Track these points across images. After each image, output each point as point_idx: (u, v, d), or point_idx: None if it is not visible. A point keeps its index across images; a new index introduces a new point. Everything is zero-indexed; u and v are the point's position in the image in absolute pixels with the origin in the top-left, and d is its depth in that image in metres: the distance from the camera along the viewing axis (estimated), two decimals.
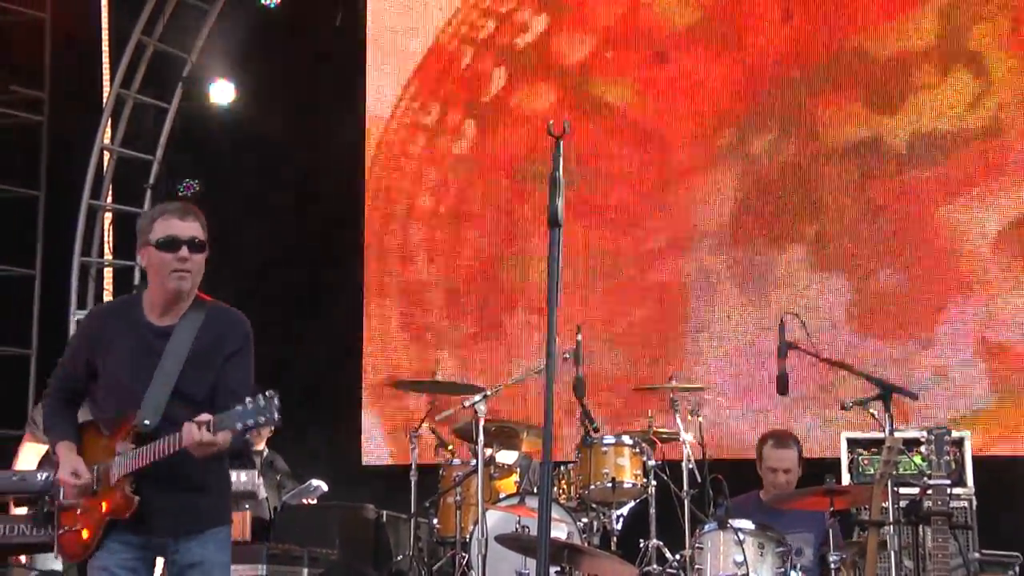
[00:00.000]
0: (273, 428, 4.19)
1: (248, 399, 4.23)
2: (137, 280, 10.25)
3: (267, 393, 4.24)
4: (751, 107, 9.64)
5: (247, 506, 7.04)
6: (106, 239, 10.52)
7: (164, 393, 4.44)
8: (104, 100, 10.40)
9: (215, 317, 4.58)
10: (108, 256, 10.57)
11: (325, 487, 8.02)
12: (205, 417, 4.24)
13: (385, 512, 8.02)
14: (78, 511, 4.54)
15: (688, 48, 9.82)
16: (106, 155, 10.44)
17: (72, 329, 10.12)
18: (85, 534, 4.50)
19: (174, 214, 4.51)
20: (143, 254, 4.53)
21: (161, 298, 4.54)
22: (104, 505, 4.47)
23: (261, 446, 7.99)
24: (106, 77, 10.52)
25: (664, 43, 9.87)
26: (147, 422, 4.40)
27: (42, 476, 5.37)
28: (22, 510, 5.89)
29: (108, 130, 10.40)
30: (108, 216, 10.56)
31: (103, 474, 4.48)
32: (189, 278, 4.49)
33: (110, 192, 10.52)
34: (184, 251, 4.46)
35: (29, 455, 6.47)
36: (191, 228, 4.49)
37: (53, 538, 4.70)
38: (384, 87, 10.28)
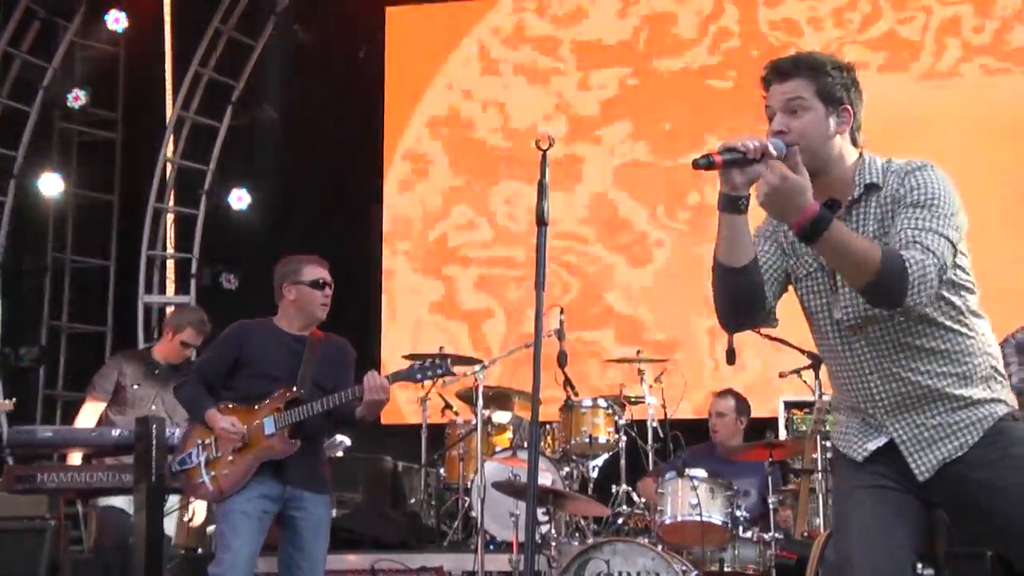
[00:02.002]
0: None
1: (422, 360, 5.20)
2: (194, 270, 10.28)
3: (443, 357, 5.30)
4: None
5: None
6: (168, 236, 10.52)
7: (309, 378, 5.10)
8: (167, 120, 10.37)
9: (333, 339, 5.31)
10: (171, 250, 10.54)
11: (349, 442, 7.98)
12: (375, 373, 5.01)
13: (400, 463, 8.02)
14: (228, 458, 5.03)
15: None
16: (168, 166, 10.42)
17: (140, 310, 10.18)
18: (238, 474, 4.99)
19: (318, 264, 5.28)
20: (291, 290, 5.21)
21: (301, 321, 5.25)
22: (258, 452, 4.99)
23: None
24: (169, 101, 10.49)
25: None
26: (302, 391, 5.05)
27: (116, 432, 5.51)
28: (76, 458, 5.93)
29: (171, 144, 10.37)
30: (170, 216, 10.54)
31: (255, 429, 5.01)
32: (327, 309, 5.27)
33: (172, 196, 10.50)
34: (327, 290, 5.25)
35: (89, 413, 6.50)
36: (328, 275, 5.28)
37: (190, 486, 5.17)
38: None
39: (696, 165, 2.89)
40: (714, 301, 3.13)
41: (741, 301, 3.11)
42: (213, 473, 5.05)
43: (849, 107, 3.08)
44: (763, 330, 6.79)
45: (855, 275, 2.88)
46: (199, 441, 5.13)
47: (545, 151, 3.66)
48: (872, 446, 3.10)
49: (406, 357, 8.13)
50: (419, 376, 5.14)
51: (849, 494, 3.18)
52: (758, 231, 3.19)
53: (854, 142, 3.12)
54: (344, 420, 5.21)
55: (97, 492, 5.95)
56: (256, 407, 5.07)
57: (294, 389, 5.06)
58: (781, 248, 3.18)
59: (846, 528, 3.14)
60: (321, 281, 5.23)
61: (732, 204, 2.97)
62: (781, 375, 6.93)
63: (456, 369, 7.33)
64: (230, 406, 5.10)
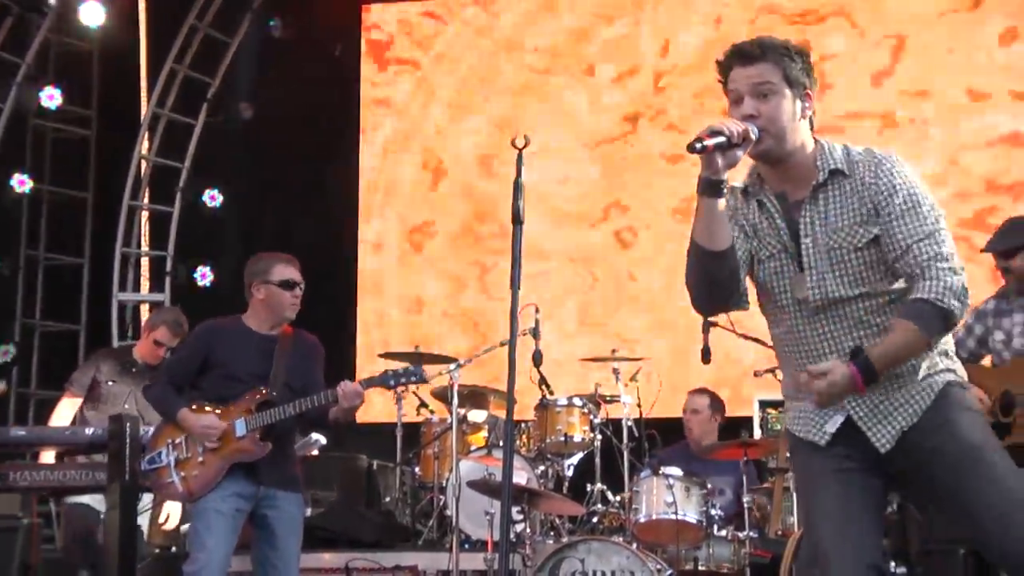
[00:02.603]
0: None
1: (395, 368, 5.17)
2: (169, 267, 10.23)
3: (417, 365, 5.25)
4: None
5: None
6: (143, 233, 10.48)
7: (280, 379, 5.09)
8: (142, 117, 10.32)
9: (303, 338, 5.29)
10: (145, 247, 10.50)
11: (324, 440, 7.96)
12: (357, 380, 5.07)
13: (375, 462, 7.99)
14: (198, 459, 5.03)
15: None
16: (143, 163, 10.37)
17: (114, 308, 10.13)
18: (210, 475, 4.98)
19: (288, 263, 5.22)
20: (259, 289, 5.17)
21: (272, 320, 5.21)
22: (228, 454, 4.98)
23: None
24: (143, 98, 10.44)
25: None
26: (274, 393, 5.05)
27: (89, 431, 5.55)
28: (49, 456, 5.91)
29: (145, 142, 10.32)
30: (145, 214, 10.50)
31: (227, 431, 5.00)
32: (297, 309, 5.23)
33: (146, 194, 10.45)
34: (297, 291, 5.20)
35: (65, 408, 6.50)
36: (299, 275, 5.22)
37: (159, 485, 5.16)
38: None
39: (691, 150, 2.93)
40: (689, 284, 3.18)
41: (719, 284, 3.15)
42: (183, 474, 5.06)
43: (810, 92, 3.14)
44: (739, 329, 6.88)
45: (917, 355, 3.04)
46: (169, 440, 5.12)
47: (521, 150, 3.68)
48: (831, 428, 3.13)
49: (382, 356, 8.15)
50: (392, 383, 5.15)
51: (812, 482, 3.19)
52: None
53: (811, 128, 3.18)
54: (317, 421, 5.27)
55: (70, 491, 5.93)
56: (227, 408, 5.07)
57: (265, 391, 5.05)
58: (743, 230, 3.22)
59: (815, 520, 3.16)
60: (291, 281, 5.19)
61: (713, 188, 3.01)
62: (756, 374, 6.94)
63: (431, 368, 7.36)
64: (205, 408, 5.09)
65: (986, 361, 5.33)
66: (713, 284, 3.15)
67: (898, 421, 3.09)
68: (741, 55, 3.12)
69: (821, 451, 3.15)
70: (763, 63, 3.09)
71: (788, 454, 3.44)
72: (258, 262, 5.27)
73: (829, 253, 3.10)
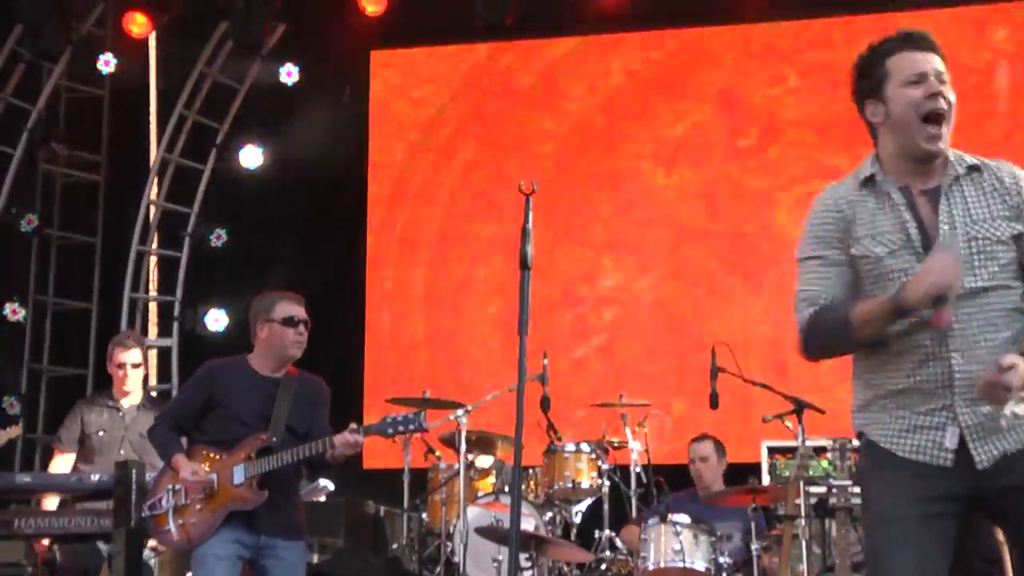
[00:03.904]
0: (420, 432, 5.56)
1: (396, 416, 4.97)
2: (177, 312, 10.24)
3: (417, 410, 5.05)
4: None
5: None
6: (151, 278, 10.50)
7: (282, 423, 4.99)
8: (151, 162, 10.38)
9: (307, 379, 5.19)
10: (153, 292, 10.52)
11: (332, 486, 7.95)
12: (354, 426, 4.91)
13: (383, 507, 7.97)
14: (196, 507, 4.93)
15: None
16: (152, 208, 10.41)
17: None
18: (206, 524, 4.89)
19: (292, 300, 5.14)
20: (263, 327, 5.09)
21: (274, 360, 5.12)
22: (229, 499, 4.89)
23: None
24: (153, 143, 10.50)
25: None
26: (275, 439, 4.94)
27: (96, 477, 5.47)
28: (52, 503, 5.89)
29: (154, 187, 10.38)
30: (153, 259, 10.52)
31: (224, 478, 4.91)
32: (301, 348, 5.13)
33: (155, 239, 10.48)
34: (301, 328, 5.10)
35: (60, 466, 6.44)
36: (303, 312, 5.14)
37: (158, 532, 5.06)
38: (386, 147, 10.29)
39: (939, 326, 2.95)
40: (815, 347, 3.20)
41: (840, 353, 3.23)
42: (181, 521, 4.96)
43: None
44: (746, 375, 6.88)
45: None
46: (170, 486, 5.03)
47: (528, 195, 3.71)
48: (951, 442, 2.99)
49: (389, 401, 8.14)
50: (390, 431, 4.99)
51: (893, 526, 3.03)
52: (820, 243, 3.20)
53: None
54: (317, 464, 5.17)
55: (75, 537, 5.89)
56: (228, 452, 4.98)
57: (264, 437, 4.96)
58: (847, 245, 3.17)
59: (887, 568, 3.02)
60: (294, 318, 5.09)
61: (903, 315, 3.01)
62: (764, 420, 6.93)
63: (439, 413, 7.37)
64: (204, 452, 5.02)
65: None
66: (838, 353, 3.23)
67: (1005, 443, 2.99)
68: (922, 40, 3.15)
69: (912, 486, 3.01)
70: (936, 54, 3.15)
71: (862, 471, 3.25)
72: (262, 300, 5.19)
73: (970, 243, 3.05)
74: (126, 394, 6.50)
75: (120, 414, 6.43)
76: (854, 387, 3.22)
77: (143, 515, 5.07)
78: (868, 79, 3.18)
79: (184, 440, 5.16)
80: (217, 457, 4.99)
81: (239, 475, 4.90)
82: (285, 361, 5.14)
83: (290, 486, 5.12)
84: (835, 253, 3.15)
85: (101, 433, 6.36)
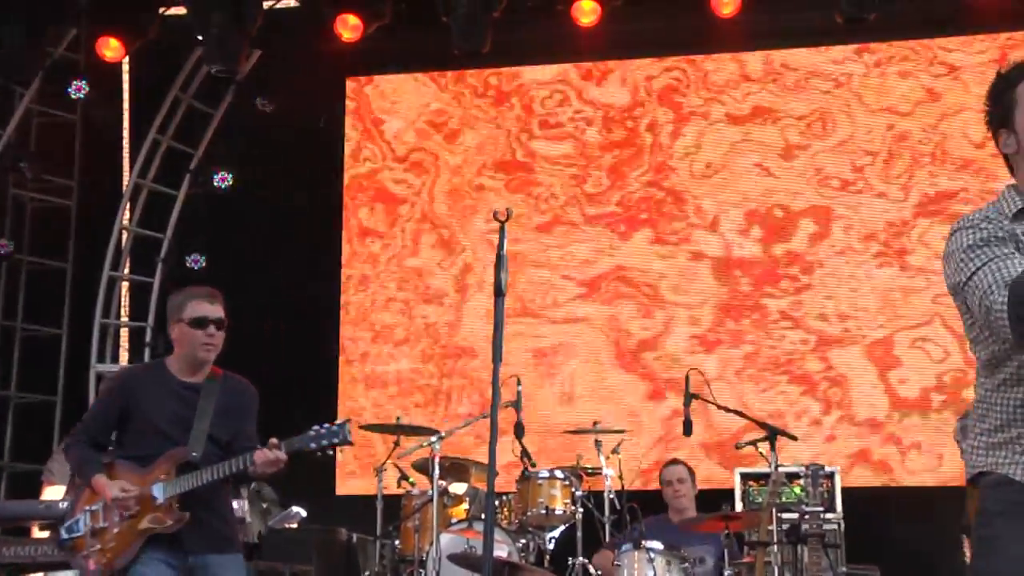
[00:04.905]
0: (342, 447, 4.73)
1: (319, 426, 4.56)
2: (148, 338, 10.18)
3: (341, 421, 4.63)
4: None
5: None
6: (123, 304, 10.44)
7: (204, 434, 4.63)
8: (124, 187, 10.34)
9: (232, 382, 4.82)
10: (124, 318, 10.45)
11: (304, 513, 7.90)
12: (275, 441, 4.52)
13: (355, 535, 7.93)
14: (114, 530, 4.59)
15: None
16: (124, 233, 10.36)
17: (92, 380, 10.01)
18: (120, 550, 4.56)
19: (204, 298, 4.73)
20: (174, 328, 4.73)
21: (190, 364, 4.74)
22: (145, 523, 4.55)
23: None
24: (126, 168, 10.46)
25: None
26: (195, 454, 4.59)
27: (63, 504, 5.36)
28: (45, 534, 5.78)
29: (127, 212, 10.34)
30: (125, 285, 10.46)
31: (144, 497, 4.56)
32: (214, 350, 4.73)
33: (127, 264, 10.43)
34: (211, 329, 4.69)
35: (51, 497, 6.36)
36: (216, 310, 4.73)
37: (77, 559, 4.66)
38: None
39: None
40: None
41: None
42: (99, 545, 4.61)
43: None
44: (720, 401, 6.91)
45: None
46: (87, 508, 4.68)
47: (503, 223, 3.72)
48: None
49: (363, 428, 8.11)
50: (313, 445, 4.56)
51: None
52: (986, 246, 2.87)
53: None
54: (239, 477, 4.72)
55: (38, 567, 5.80)
56: (147, 469, 4.62)
57: (182, 451, 4.61)
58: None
59: None
60: (205, 319, 4.69)
61: None
62: (737, 447, 6.96)
63: (412, 440, 7.35)
64: (122, 468, 4.66)
65: None
66: None
67: None
68: None
69: None
70: None
71: (990, 514, 2.92)
72: (173, 298, 4.82)
73: None
74: None
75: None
76: (989, 423, 2.96)
77: (61, 539, 4.73)
78: (999, 108, 3.04)
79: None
80: (136, 474, 4.62)
81: (159, 494, 4.56)
82: (200, 365, 4.75)
83: (216, 499, 4.73)
84: (1005, 247, 2.84)
85: None
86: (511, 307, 9.32)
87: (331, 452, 4.61)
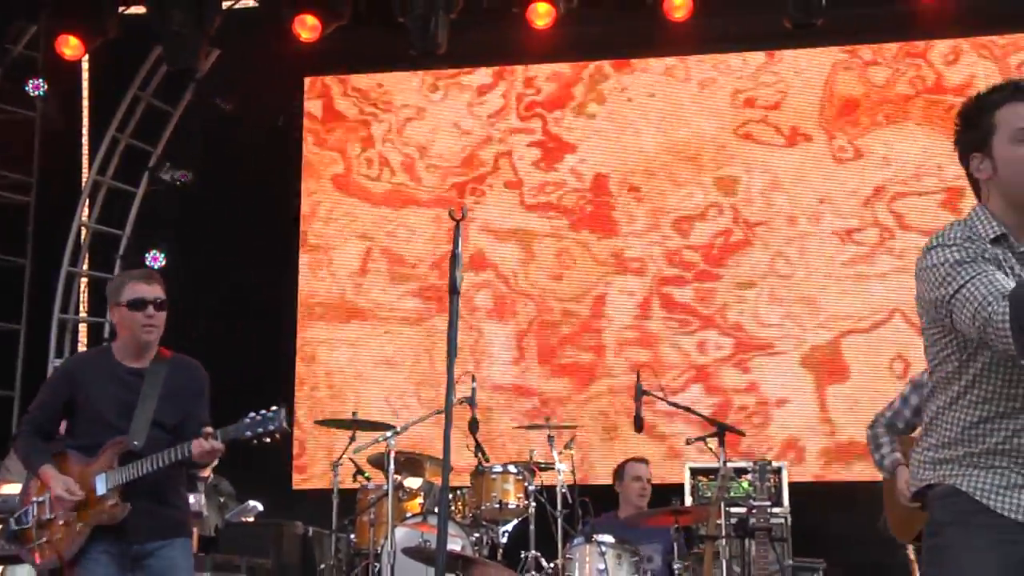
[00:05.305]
0: (277, 437, 4.49)
1: (254, 413, 4.42)
2: (107, 333, 10.16)
3: (275, 408, 4.45)
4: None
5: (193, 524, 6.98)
6: (81, 300, 10.42)
7: (147, 421, 4.53)
8: (83, 184, 10.32)
9: (180, 364, 4.71)
10: (83, 314, 10.44)
11: (260, 507, 7.95)
12: (209, 429, 4.42)
13: (311, 528, 7.98)
14: (59, 522, 4.53)
15: None
16: (83, 230, 10.35)
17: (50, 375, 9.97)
18: (66, 543, 4.51)
19: (140, 279, 4.65)
20: (114, 312, 4.66)
21: (132, 348, 4.64)
22: (89, 515, 4.49)
23: (207, 473, 7.85)
24: (85, 165, 10.45)
25: None
26: (136, 443, 4.49)
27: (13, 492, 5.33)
28: None
29: (86, 209, 10.32)
30: (84, 281, 10.45)
31: (88, 488, 4.50)
32: (155, 331, 4.63)
33: (86, 261, 10.41)
34: (150, 310, 4.59)
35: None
36: (154, 291, 4.63)
37: (25, 551, 4.65)
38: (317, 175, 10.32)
39: None
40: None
41: None
42: (47, 537, 4.56)
43: None
44: (670, 398, 7.01)
45: None
46: (34, 499, 4.64)
47: (459, 221, 3.77)
48: None
49: (318, 423, 8.18)
50: (248, 433, 4.42)
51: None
52: (972, 262, 2.86)
53: None
54: (189, 465, 4.64)
55: (2, 560, 5.82)
56: (92, 459, 4.54)
57: (124, 440, 4.51)
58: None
59: None
60: (141, 300, 4.58)
61: None
62: (688, 442, 7.06)
63: (368, 435, 7.41)
64: (69, 459, 4.59)
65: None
66: None
67: None
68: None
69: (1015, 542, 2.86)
70: None
71: (940, 524, 2.98)
72: (112, 282, 4.74)
73: None
74: None
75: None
76: (937, 439, 3.02)
77: (10, 530, 4.69)
78: (974, 131, 2.97)
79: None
80: (81, 465, 4.55)
81: (101, 486, 4.48)
82: (143, 348, 4.64)
83: (163, 486, 4.59)
84: (990, 266, 2.85)
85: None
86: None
87: (267, 441, 4.45)
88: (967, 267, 2.83)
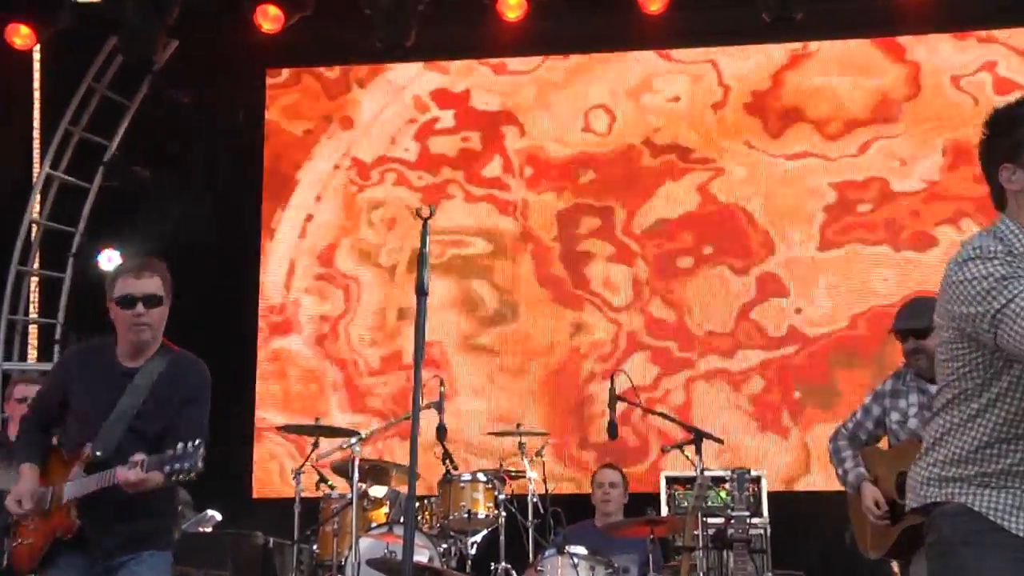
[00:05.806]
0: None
1: (180, 445, 4.01)
2: (58, 336, 9.96)
3: (195, 442, 4.02)
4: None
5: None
6: (32, 300, 10.21)
7: (120, 427, 4.23)
8: (34, 179, 10.09)
9: (177, 364, 4.40)
10: (33, 314, 10.22)
11: (219, 516, 7.79)
12: (138, 457, 4.04)
13: (272, 539, 7.83)
14: (31, 526, 4.32)
15: None
16: (34, 227, 10.13)
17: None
18: (33, 549, 4.30)
19: (130, 273, 4.35)
20: (110, 309, 4.37)
21: (127, 346, 4.37)
22: (53, 524, 4.26)
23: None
24: (36, 160, 10.22)
25: None
26: (98, 452, 4.20)
27: None
28: None
29: (37, 205, 10.10)
30: (34, 280, 10.22)
31: (56, 495, 4.26)
32: (147, 330, 4.34)
33: (37, 259, 10.19)
34: (139, 307, 4.30)
35: None
36: (146, 285, 4.33)
37: (7, 550, 4.44)
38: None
39: None
40: None
41: None
42: (17, 541, 4.35)
43: None
44: (645, 404, 6.90)
45: None
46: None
47: (426, 220, 3.68)
48: None
49: (280, 429, 8.02)
50: (167, 469, 4.00)
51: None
52: (1018, 269, 2.88)
53: None
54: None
55: None
56: (70, 460, 4.31)
57: (87, 451, 4.23)
58: None
59: None
60: (128, 297, 4.29)
61: None
62: (663, 450, 6.96)
63: (331, 442, 7.27)
64: (57, 458, 4.38)
65: (884, 443, 5.38)
66: None
67: None
68: None
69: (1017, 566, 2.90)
70: None
71: (949, 542, 2.99)
72: (109, 275, 4.49)
73: None
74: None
75: (7, 448, 6.16)
76: (946, 455, 3.03)
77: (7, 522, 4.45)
78: (1007, 140, 2.96)
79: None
80: (64, 467, 4.32)
81: (68, 494, 4.24)
82: (137, 347, 4.36)
83: (131, 499, 4.15)
84: None
85: None
86: None
87: (181, 479, 4.04)
88: (1014, 283, 2.83)
